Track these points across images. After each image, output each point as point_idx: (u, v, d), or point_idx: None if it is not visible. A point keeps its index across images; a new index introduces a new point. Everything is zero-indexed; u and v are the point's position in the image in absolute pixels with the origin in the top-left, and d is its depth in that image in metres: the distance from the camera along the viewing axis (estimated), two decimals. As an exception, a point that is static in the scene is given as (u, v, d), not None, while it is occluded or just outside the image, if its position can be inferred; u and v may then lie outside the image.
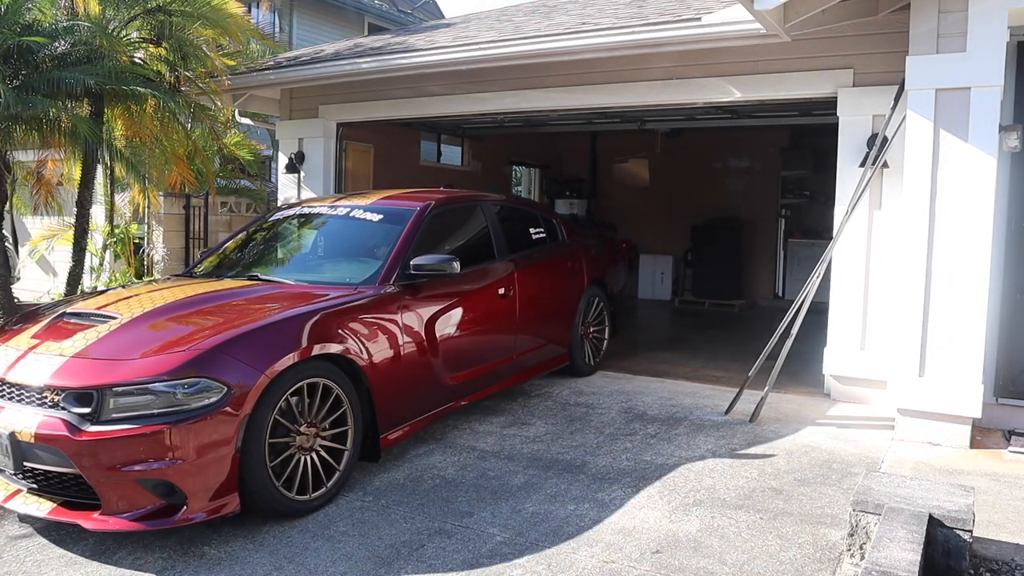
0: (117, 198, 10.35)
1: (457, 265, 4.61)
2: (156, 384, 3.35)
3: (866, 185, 5.30)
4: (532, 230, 6.15)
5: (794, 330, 5.21)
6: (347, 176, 9.11)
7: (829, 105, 5.82)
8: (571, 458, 4.44)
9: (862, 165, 5.41)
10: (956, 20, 4.58)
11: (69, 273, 7.62)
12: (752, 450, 4.58)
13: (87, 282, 9.71)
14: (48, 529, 3.58)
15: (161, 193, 9.84)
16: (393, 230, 4.87)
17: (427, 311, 4.63)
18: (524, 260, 5.74)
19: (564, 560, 3.25)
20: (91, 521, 3.34)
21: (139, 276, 10.14)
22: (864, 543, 3.03)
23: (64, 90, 6.38)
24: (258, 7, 14.46)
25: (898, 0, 5.10)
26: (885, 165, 5.39)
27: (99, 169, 8.93)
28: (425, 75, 7.39)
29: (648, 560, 3.24)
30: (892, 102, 5.18)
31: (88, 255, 8.69)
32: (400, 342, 4.37)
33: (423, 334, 4.56)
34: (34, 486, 3.55)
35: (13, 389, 3.56)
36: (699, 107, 7.40)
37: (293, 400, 3.69)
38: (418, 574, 3.15)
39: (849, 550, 3.10)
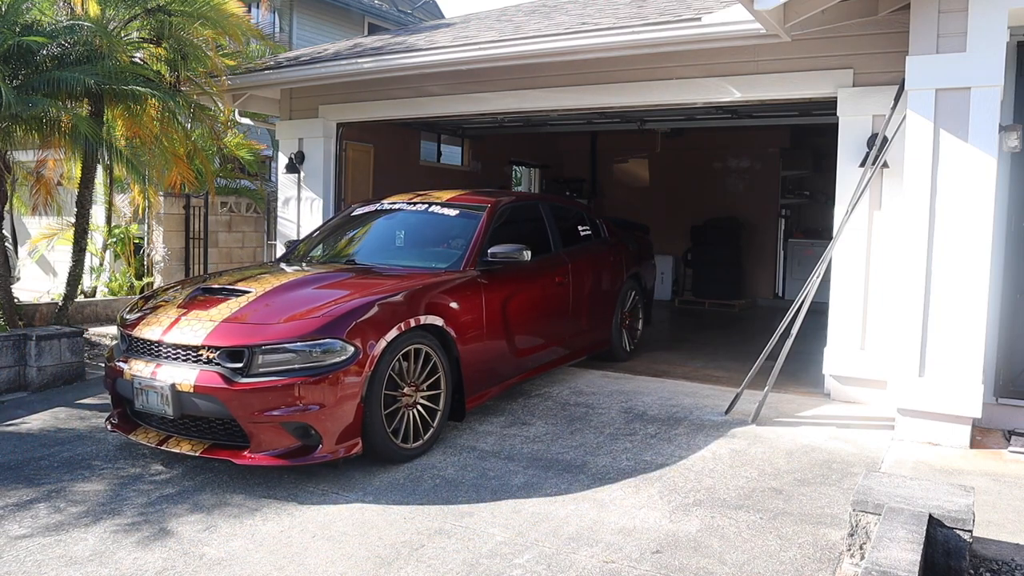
0: (117, 198, 10.34)
1: (528, 254, 5.26)
2: (296, 344, 4.02)
3: (866, 185, 5.30)
4: (580, 227, 6.81)
5: (794, 330, 5.21)
6: (347, 176, 9.10)
7: (829, 105, 5.82)
8: (571, 458, 4.44)
9: (862, 165, 5.41)
10: (956, 20, 4.58)
11: (69, 273, 7.62)
12: (752, 450, 4.58)
13: (87, 282, 9.70)
14: (48, 529, 3.58)
15: (161, 193, 9.83)
16: (470, 224, 5.55)
17: (501, 293, 5.27)
18: (576, 254, 6.42)
19: (564, 560, 3.25)
20: (242, 458, 3.99)
21: (139, 276, 10.12)
22: (864, 543, 3.03)
23: (64, 90, 6.38)
24: (258, 7, 14.45)
25: (898, 0, 5.10)
26: (885, 165, 5.38)
27: (99, 169, 8.93)
28: (425, 75, 7.38)
29: (648, 560, 3.24)
30: (892, 102, 5.18)
31: (88, 255, 8.69)
32: (481, 318, 5.02)
33: (498, 312, 5.20)
34: (182, 432, 4.23)
35: (170, 349, 4.21)
36: (699, 107, 7.41)
37: (400, 363, 4.34)
38: (418, 574, 3.15)
39: (849, 550, 3.10)
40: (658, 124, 10.07)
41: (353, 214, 6.40)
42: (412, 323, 4.42)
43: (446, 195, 6.09)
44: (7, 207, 7.28)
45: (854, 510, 3.07)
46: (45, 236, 10.41)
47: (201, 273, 9.99)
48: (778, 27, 5.03)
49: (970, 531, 2.93)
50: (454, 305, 4.80)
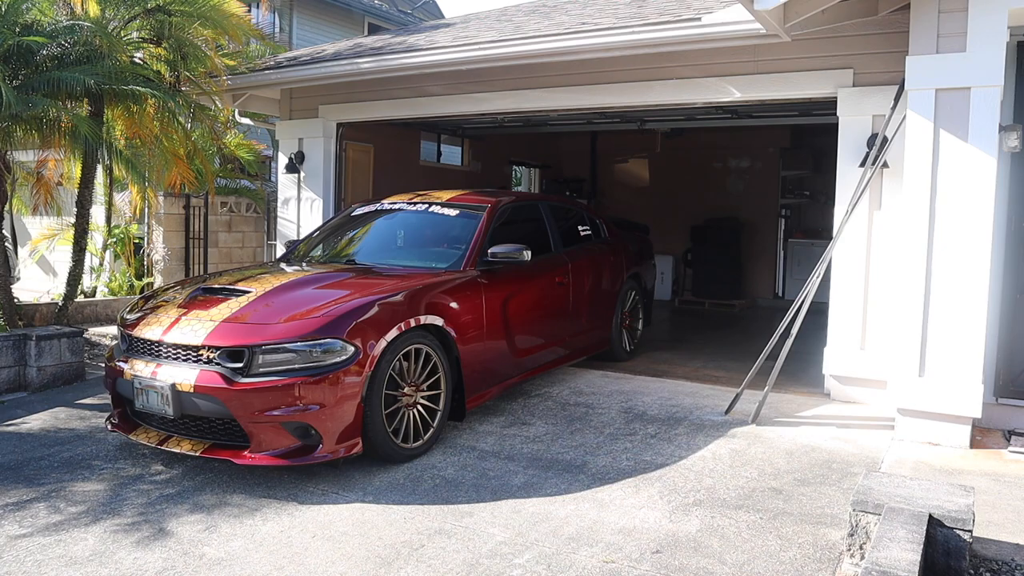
0: (117, 198, 10.33)
1: (528, 254, 5.26)
2: (296, 344, 4.03)
3: (866, 185, 5.30)
4: (580, 228, 6.81)
5: (794, 330, 5.21)
6: (347, 176, 9.10)
7: (829, 105, 5.82)
8: (571, 458, 4.44)
9: (862, 165, 5.41)
10: (956, 20, 4.58)
11: (69, 273, 7.62)
12: (752, 450, 4.58)
13: (87, 282, 9.70)
14: (48, 529, 3.58)
15: (161, 193, 9.82)
16: (470, 224, 5.56)
17: (501, 293, 5.27)
18: (576, 254, 6.42)
19: (564, 560, 3.25)
20: (242, 458, 4.00)
21: (139, 276, 10.12)
22: (864, 543, 3.03)
23: (64, 90, 6.39)
24: (258, 7, 14.44)
25: (898, 0, 5.10)
26: (885, 165, 5.38)
27: (99, 169, 8.92)
28: (425, 75, 7.39)
29: (648, 560, 3.24)
30: (892, 102, 5.17)
31: (88, 255, 8.69)
32: (481, 318, 5.02)
33: (498, 312, 5.20)
34: (183, 432, 4.25)
35: (170, 349, 4.23)
36: (699, 107, 7.40)
37: (400, 363, 4.35)
38: (418, 574, 3.15)
39: (849, 550, 3.10)
40: (658, 124, 10.07)
41: (353, 214, 6.40)
42: (412, 323, 4.42)
43: (446, 195, 6.09)
44: (7, 207, 7.28)
45: (854, 510, 3.07)
46: (45, 236, 10.41)
47: (201, 273, 9.99)
48: (778, 27, 5.03)
49: (970, 531, 2.93)
50: (454, 305, 4.80)
